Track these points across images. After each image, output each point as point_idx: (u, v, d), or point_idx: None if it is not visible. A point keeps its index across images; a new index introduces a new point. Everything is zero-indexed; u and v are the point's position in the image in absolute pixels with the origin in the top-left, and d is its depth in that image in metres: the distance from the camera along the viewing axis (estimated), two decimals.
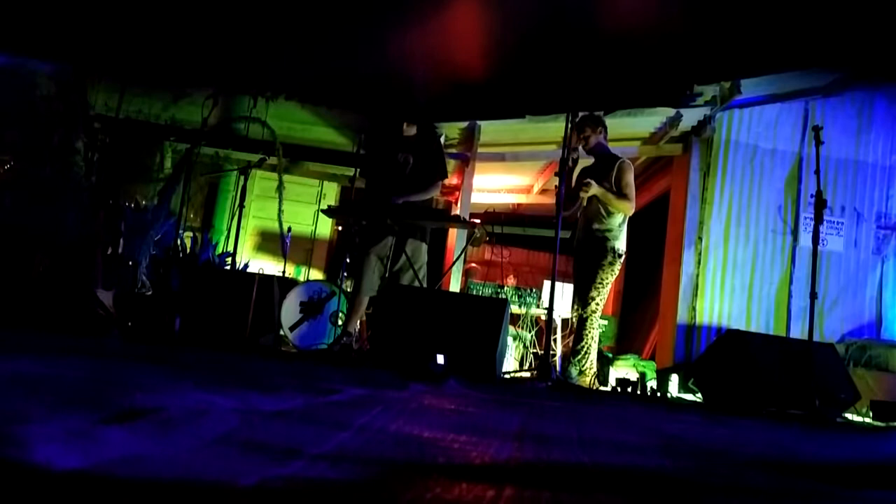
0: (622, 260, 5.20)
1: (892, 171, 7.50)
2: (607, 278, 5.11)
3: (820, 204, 4.43)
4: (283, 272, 7.36)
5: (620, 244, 5.17)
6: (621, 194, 5.12)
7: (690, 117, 7.33)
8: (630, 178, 5.21)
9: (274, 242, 8.90)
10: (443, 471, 1.20)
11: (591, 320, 5.06)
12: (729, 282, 7.13)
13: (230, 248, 6.58)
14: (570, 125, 4.95)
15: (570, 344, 5.17)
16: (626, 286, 9.84)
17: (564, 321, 6.78)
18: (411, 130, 5.44)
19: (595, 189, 5.04)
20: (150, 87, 8.24)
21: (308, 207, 9.49)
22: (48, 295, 4.64)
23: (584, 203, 5.24)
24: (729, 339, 4.93)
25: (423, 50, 7.80)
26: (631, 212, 5.21)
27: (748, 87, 7.12)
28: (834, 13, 7.35)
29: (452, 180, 8.74)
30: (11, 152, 7.54)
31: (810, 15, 7.48)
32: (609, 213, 5.17)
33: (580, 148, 5.21)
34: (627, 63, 7.89)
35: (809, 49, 7.38)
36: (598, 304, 5.08)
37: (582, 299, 5.11)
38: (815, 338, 4.50)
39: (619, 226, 5.19)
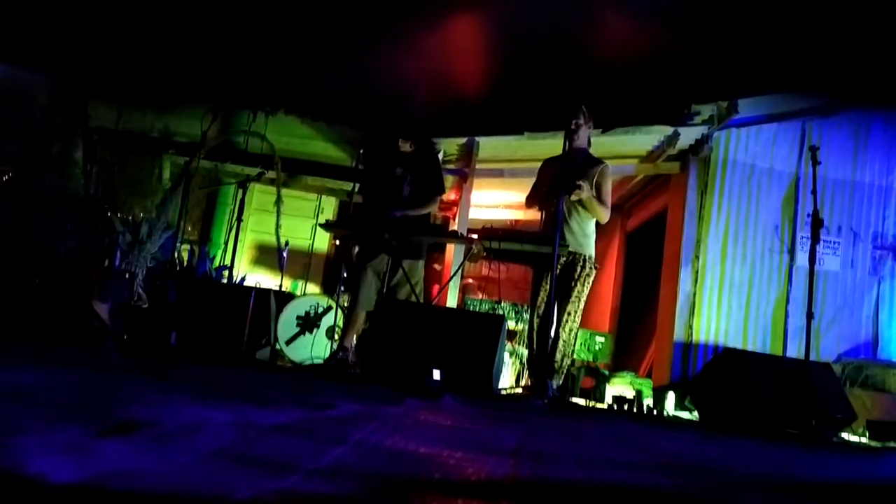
0: (596, 271, 5.02)
1: (889, 192, 7.53)
2: (584, 291, 4.89)
3: (816, 223, 4.44)
4: (280, 286, 7.35)
5: (593, 253, 5.00)
6: (601, 201, 4.90)
7: (688, 136, 7.37)
8: (610, 185, 5.00)
9: (271, 256, 8.90)
10: (438, 487, 1.19)
11: (569, 339, 4.85)
12: (726, 300, 7.14)
13: (227, 262, 6.57)
14: (567, 142, 4.89)
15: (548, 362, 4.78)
16: (624, 303, 9.83)
17: None
18: (407, 146, 5.45)
19: (585, 194, 4.77)
20: (150, 100, 8.26)
21: (306, 221, 9.49)
22: (45, 306, 4.63)
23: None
24: (725, 358, 4.92)
25: (422, 66, 7.83)
26: (606, 219, 5.02)
27: (745, 107, 7.17)
28: (831, 34, 7.41)
29: (450, 196, 8.76)
30: (10, 164, 7.54)
31: (808, 36, 7.53)
32: (585, 219, 4.96)
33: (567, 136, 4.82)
34: (626, 81, 7.93)
35: (807, 70, 7.43)
36: (575, 320, 4.87)
37: (557, 317, 4.81)
38: (812, 357, 4.50)
39: (594, 233, 5.01)
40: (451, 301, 7.73)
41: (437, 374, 3.99)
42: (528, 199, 5.22)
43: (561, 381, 4.90)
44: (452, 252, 8.33)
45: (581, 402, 6.00)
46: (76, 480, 0.88)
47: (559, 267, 4.69)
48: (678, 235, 7.30)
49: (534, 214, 10.41)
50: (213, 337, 4.92)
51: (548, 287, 4.74)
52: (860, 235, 7.40)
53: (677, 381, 6.81)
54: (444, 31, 8.19)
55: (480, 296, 8.00)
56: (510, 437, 2.19)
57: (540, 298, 4.99)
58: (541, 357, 4.62)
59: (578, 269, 4.89)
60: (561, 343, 4.84)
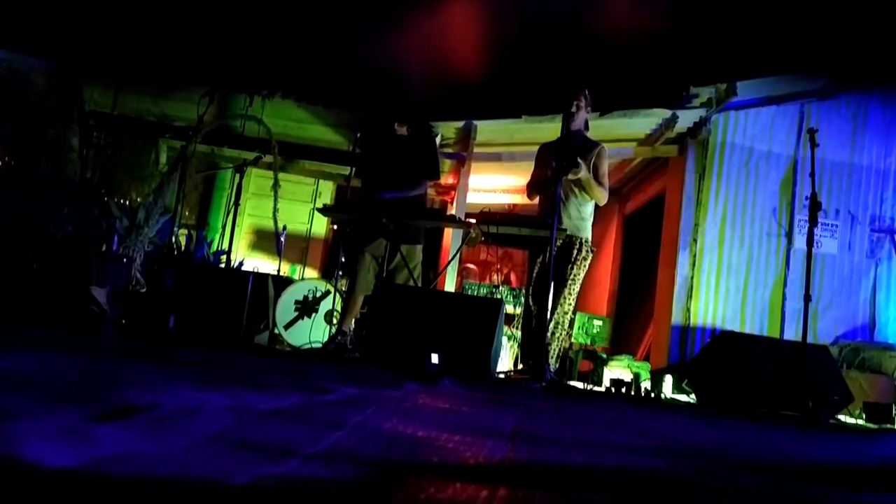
0: (592, 254, 5.00)
1: (887, 175, 7.53)
2: (579, 274, 4.88)
3: (814, 206, 4.44)
4: (278, 271, 7.35)
5: (590, 235, 4.99)
6: (599, 182, 4.88)
7: (686, 119, 7.34)
8: (607, 166, 5.00)
9: (269, 241, 8.88)
10: (436, 471, 1.19)
11: (564, 322, 4.82)
12: (724, 283, 7.15)
13: (225, 246, 6.56)
14: (565, 125, 4.86)
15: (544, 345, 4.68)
16: (622, 287, 9.85)
17: None
18: (403, 130, 5.43)
19: (583, 174, 4.73)
20: (146, 84, 8.21)
21: (303, 206, 9.48)
22: (42, 291, 4.63)
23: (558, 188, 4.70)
24: (723, 341, 4.93)
25: (419, 49, 7.79)
26: (604, 201, 5.00)
27: (744, 90, 7.13)
28: (829, 17, 7.38)
29: (448, 180, 8.74)
30: (6, 148, 7.51)
31: (806, 18, 7.50)
32: (583, 202, 4.95)
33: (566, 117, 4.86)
34: (624, 64, 7.90)
35: (805, 52, 7.40)
36: (570, 303, 4.86)
37: (553, 300, 4.73)
38: (809, 340, 4.52)
39: (591, 216, 5.01)
40: (450, 285, 7.73)
41: (435, 358, 4.00)
42: (528, 185, 5.21)
43: (557, 365, 4.91)
44: (450, 236, 8.32)
45: (579, 385, 6.03)
46: (72, 465, 0.88)
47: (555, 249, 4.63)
48: (676, 219, 7.29)
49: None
50: (211, 321, 4.93)
51: (543, 270, 4.73)
52: (858, 218, 7.41)
53: (675, 363, 6.84)
54: (441, 13, 8.13)
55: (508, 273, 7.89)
56: (508, 420, 2.20)
57: (535, 282, 4.99)
58: (538, 340, 4.61)
59: (574, 252, 4.88)
60: (555, 325, 4.83)
